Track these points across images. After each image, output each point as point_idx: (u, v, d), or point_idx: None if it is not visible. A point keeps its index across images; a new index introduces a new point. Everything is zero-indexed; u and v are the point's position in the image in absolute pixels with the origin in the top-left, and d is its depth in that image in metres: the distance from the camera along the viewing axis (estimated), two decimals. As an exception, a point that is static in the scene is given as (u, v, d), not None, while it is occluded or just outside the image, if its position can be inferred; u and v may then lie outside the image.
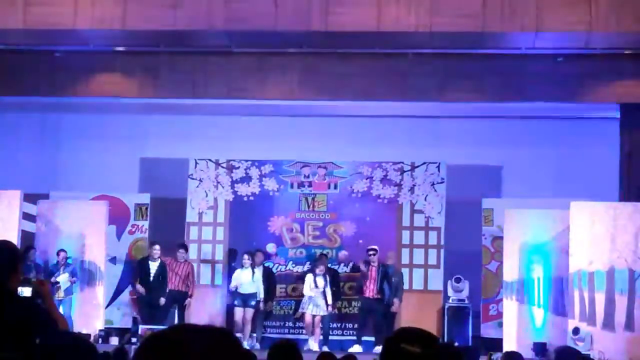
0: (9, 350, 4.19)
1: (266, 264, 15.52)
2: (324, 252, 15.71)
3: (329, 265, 15.46)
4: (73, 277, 14.68)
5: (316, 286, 14.71)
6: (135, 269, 15.40)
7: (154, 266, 15.03)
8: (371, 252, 14.83)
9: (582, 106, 15.01)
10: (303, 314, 14.95)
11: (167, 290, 14.97)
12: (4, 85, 14.41)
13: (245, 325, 14.69)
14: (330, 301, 14.74)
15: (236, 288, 14.83)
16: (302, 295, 15.01)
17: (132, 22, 12.62)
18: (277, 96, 14.49)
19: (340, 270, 15.73)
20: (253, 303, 14.80)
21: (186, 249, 15.37)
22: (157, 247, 15.09)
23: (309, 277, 14.87)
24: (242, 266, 14.93)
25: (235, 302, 14.86)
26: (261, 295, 14.95)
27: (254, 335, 14.92)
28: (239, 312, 14.80)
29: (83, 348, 3.44)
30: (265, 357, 5.63)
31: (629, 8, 12.34)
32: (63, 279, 14.58)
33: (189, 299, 15.08)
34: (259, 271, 14.95)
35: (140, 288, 14.99)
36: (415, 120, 16.28)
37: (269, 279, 15.22)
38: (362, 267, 14.98)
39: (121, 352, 8.48)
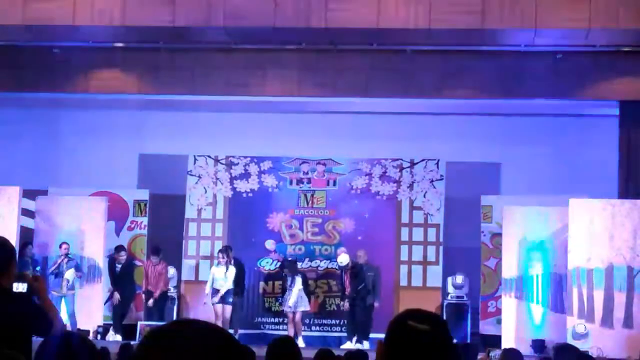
0: (3, 348, 4.19)
1: (265, 260, 15.56)
2: (323, 250, 15.78)
3: (327, 261, 15.52)
4: (78, 271, 14.73)
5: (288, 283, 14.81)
6: (108, 271, 15.37)
7: (119, 267, 15.12)
8: (342, 266, 14.91)
9: (581, 103, 15.01)
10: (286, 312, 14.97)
11: (146, 290, 15.07)
12: (3, 81, 14.41)
13: (225, 324, 14.61)
14: (294, 299, 14.69)
15: (212, 285, 14.83)
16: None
17: (132, 18, 12.61)
18: (276, 93, 14.49)
19: (338, 268, 15.72)
20: (230, 299, 14.77)
21: (158, 252, 15.36)
22: (122, 253, 15.18)
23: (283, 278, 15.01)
24: (217, 264, 14.94)
25: (214, 301, 14.81)
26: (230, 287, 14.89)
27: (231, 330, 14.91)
28: (218, 309, 14.70)
29: (79, 346, 3.45)
30: (264, 353, 5.64)
31: (628, 5, 12.33)
32: (69, 275, 14.60)
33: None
34: (232, 267, 14.88)
35: (116, 296, 15.07)
36: (414, 117, 16.28)
37: (239, 272, 15.15)
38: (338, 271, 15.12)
39: (127, 348, 8.49)
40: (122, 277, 15.10)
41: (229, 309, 14.74)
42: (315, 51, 13.90)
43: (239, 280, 15.11)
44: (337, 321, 15.65)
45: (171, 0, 12.55)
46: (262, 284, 15.85)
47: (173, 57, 14.17)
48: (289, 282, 14.79)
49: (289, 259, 15.56)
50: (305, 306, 14.78)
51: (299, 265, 15.63)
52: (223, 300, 14.73)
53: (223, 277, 14.77)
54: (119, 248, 15.34)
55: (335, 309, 15.71)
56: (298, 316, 14.75)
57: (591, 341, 12.97)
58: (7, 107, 16.24)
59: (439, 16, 12.38)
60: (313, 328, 15.62)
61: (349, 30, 12.71)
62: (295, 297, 14.68)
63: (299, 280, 14.79)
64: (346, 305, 14.93)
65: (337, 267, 15.43)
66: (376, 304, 14.65)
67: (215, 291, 14.81)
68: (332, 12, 12.50)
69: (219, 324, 14.20)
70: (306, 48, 13.80)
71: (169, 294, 15.43)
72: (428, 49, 13.66)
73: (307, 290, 15.02)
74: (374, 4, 12.39)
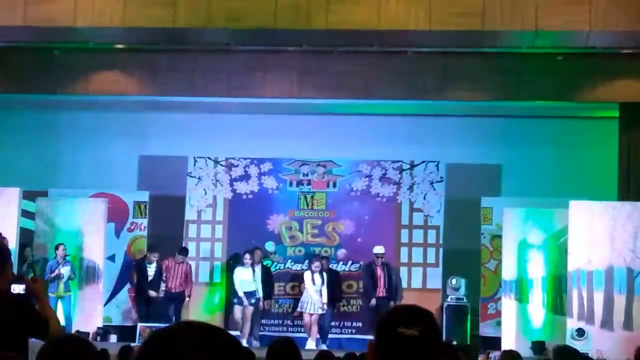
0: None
1: (265, 262, 15.55)
2: (323, 251, 15.75)
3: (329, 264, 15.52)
4: (72, 272, 14.68)
5: (313, 283, 14.71)
6: (132, 270, 15.40)
7: (151, 269, 15.08)
8: (379, 256, 14.88)
9: (581, 105, 15.01)
10: (302, 313, 14.93)
11: (165, 290, 14.99)
12: (4, 82, 14.40)
13: (245, 322, 14.71)
14: (325, 299, 14.71)
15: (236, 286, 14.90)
16: (301, 294, 15.01)
17: (132, 20, 12.60)
18: (276, 94, 14.48)
19: (339, 269, 15.72)
20: (253, 301, 14.82)
21: (186, 253, 15.34)
22: (156, 254, 15.15)
23: (307, 275, 14.86)
24: (243, 264, 14.94)
25: (235, 301, 14.88)
26: (260, 294, 14.95)
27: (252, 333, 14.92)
28: (238, 310, 14.82)
29: (80, 347, 3.44)
30: (264, 354, 5.64)
31: (628, 7, 12.33)
32: (66, 271, 14.54)
33: (187, 299, 15.12)
34: (258, 269, 14.98)
35: (152, 293, 15.05)
36: (414, 119, 16.28)
37: (268, 277, 15.23)
38: (368, 269, 15.06)
39: (127, 350, 8.46)
40: (154, 278, 15.00)
41: (250, 310, 14.76)
42: (316, 53, 13.90)
43: (268, 285, 15.12)
44: (349, 323, 15.64)
45: (171, 2, 12.54)
46: (276, 285, 15.77)
47: (173, 59, 14.17)
48: (321, 281, 14.70)
49: (322, 254, 15.53)
50: (319, 309, 14.81)
51: (299, 266, 15.66)
52: (244, 301, 14.78)
53: (251, 279, 14.80)
54: (152, 248, 15.31)
55: (346, 310, 15.68)
56: (316, 318, 14.77)
57: (591, 343, 12.96)
58: (7, 108, 16.24)
59: (440, 18, 12.38)
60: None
61: (350, 31, 12.70)
62: (319, 296, 14.68)
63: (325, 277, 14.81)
64: (373, 302, 14.83)
65: (371, 261, 15.25)
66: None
67: (237, 293, 14.83)
68: (333, 14, 12.50)
69: (238, 325, 14.29)
70: (306, 50, 13.80)
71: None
72: (428, 51, 13.66)
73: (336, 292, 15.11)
74: (375, 6, 12.39)
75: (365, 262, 15.30)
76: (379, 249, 14.96)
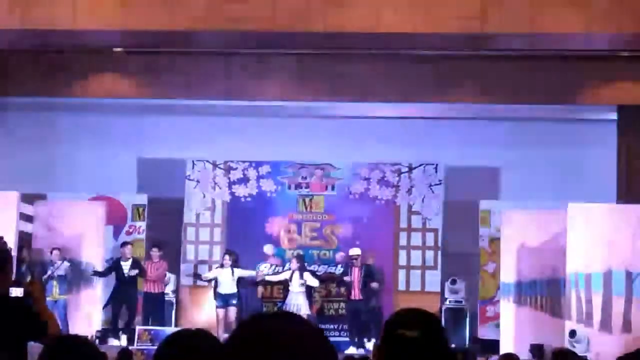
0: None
1: (263, 265, 15.57)
2: (322, 254, 15.78)
3: (326, 266, 15.53)
4: (70, 273, 14.62)
5: (290, 281, 14.75)
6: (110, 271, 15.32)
7: (126, 265, 14.95)
8: (354, 258, 14.89)
9: (580, 108, 15.02)
10: None
11: (144, 292, 14.94)
12: (2, 85, 14.39)
13: (229, 325, 14.61)
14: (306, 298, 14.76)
15: (214, 284, 14.85)
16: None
17: (131, 23, 12.59)
18: (275, 97, 14.50)
19: (337, 272, 15.71)
20: (234, 302, 14.79)
21: (159, 247, 15.31)
22: (129, 247, 15.08)
23: (286, 274, 14.94)
24: (221, 265, 14.95)
25: (217, 304, 14.83)
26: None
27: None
28: (220, 313, 14.75)
29: (83, 348, 3.44)
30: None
31: (627, 10, 12.32)
32: (60, 272, 14.48)
33: (165, 297, 15.11)
34: (238, 270, 14.94)
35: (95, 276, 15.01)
36: (413, 122, 16.28)
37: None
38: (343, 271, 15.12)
39: (126, 353, 8.46)
40: (130, 282, 14.94)
41: (233, 311, 14.74)
42: (314, 55, 13.91)
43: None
44: (336, 326, 15.63)
45: (170, 5, 12.53)
46: (260, 288, 15.81)
47: (172, 61, 14.17)
48: (303, 281, 14.76)
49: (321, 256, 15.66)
50: (303, 310, 14.79)
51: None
52: (227, 303, 14.74)
53: (230, 280, 14.80)
54: (125, 244, 15.25)
55: (334, 313, 15.68)
56: None
57: (590, 346, 12.96)
58: (5, 111, 16.22)
59: (438, 21, 12.37)
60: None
61: (348, 34, 12.70)
62: (303, 297, 14.73)
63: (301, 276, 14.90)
64: (357, 291, 14.84)
65: (346, 263, 15.29)
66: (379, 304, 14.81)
67: (218, 295, 14.82)
68: (331, 17, 12.49)
69: (221, 328, 14.25)
70: (305, 52, 13.81)
71: (166, 298, 15.35)
72: (427, 54, 13.67)
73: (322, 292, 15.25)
74: (373, 9, 12.38)
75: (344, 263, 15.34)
76: (353, 251, 15.01)
